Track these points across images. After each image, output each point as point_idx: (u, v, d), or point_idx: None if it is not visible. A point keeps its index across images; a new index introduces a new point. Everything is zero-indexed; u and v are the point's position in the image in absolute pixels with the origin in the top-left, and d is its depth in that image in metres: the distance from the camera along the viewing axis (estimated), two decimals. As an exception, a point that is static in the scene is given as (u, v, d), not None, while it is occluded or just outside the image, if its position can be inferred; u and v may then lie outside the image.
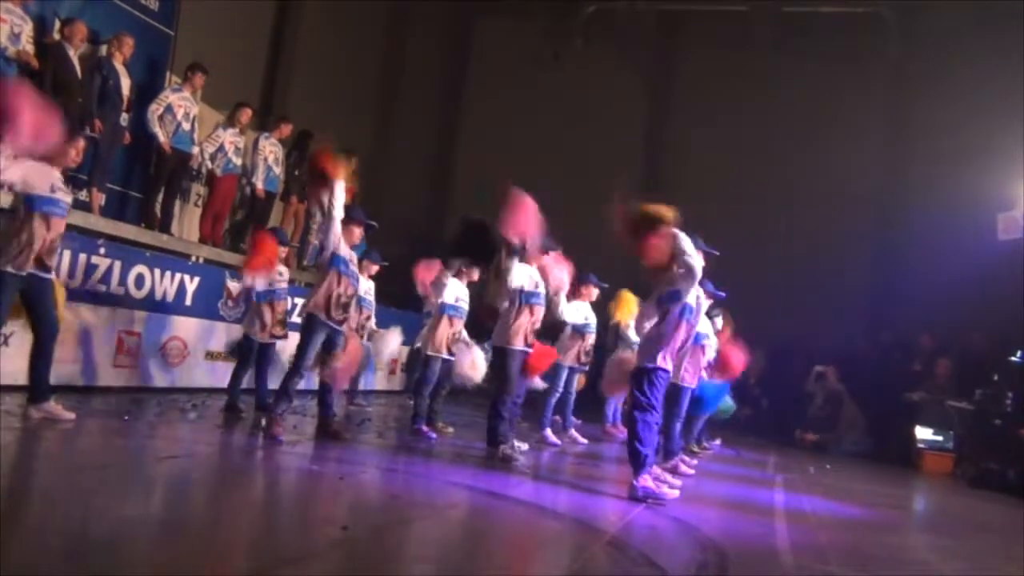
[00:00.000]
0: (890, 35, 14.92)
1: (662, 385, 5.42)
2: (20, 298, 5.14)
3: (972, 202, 11.71)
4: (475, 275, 7.49)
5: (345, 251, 6.09)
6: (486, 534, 4.37)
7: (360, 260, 7.35)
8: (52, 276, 5.33)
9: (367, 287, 7.69)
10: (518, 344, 6.49)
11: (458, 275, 7.42)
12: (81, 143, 5.45)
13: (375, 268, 7.78)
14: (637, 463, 5.35)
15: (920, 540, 6.29)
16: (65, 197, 5.29)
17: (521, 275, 6.48)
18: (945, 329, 12.26)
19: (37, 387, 5.28)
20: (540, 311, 6.65)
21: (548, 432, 8.24)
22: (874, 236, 14.80)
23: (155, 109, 8.43)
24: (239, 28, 11.88)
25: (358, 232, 6.34)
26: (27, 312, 5.23)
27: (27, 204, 5.07)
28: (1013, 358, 10.23)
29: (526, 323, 6.51)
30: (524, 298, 6.52)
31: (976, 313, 11.55)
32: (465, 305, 7.49)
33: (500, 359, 6.57)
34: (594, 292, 8.36)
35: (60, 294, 5.60)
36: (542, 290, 6.64)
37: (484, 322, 7.70)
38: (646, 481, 5.35)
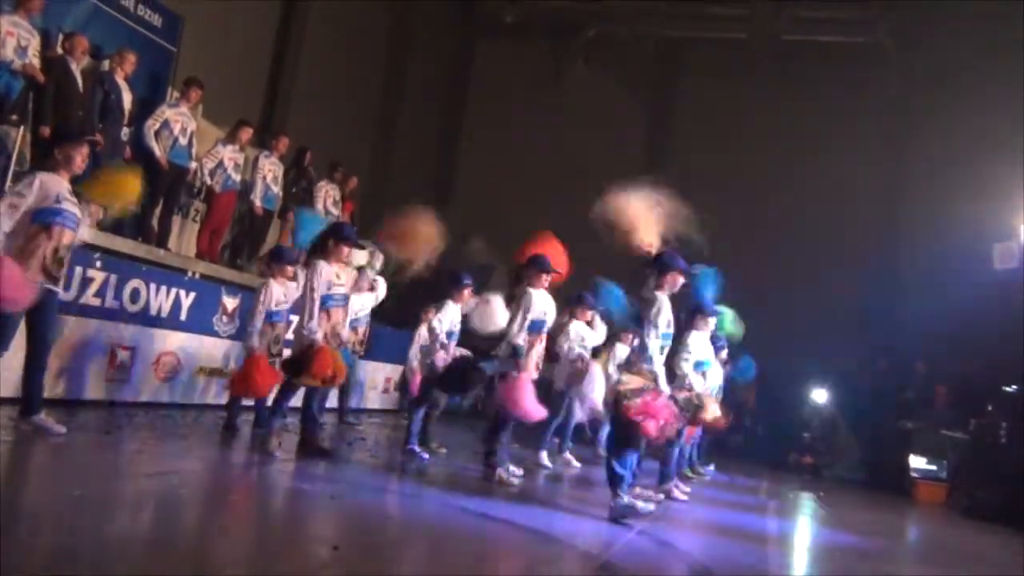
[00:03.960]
0: (889, 65, 15.08)
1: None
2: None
3: (969, 231, 11.76)
4: (470, 297, 7.44)
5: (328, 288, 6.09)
6: (478, 557, 4.33)
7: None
8: (58, 289, 5.30)
9: (361, 305, 7.62)
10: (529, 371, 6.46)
11: (455, 299, 7.38)
12: (86, 149, 5.40)
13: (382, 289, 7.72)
14: (614, 483, 5.36)
15: (913, 570, 6.26)
16: (72, 208, 5.24)
17: (541, 304, 6.44)
18: (941, 357, 12.27)
19: (29, 399, 5.24)
20: (543, 338, 6.63)
21: (543, 455, 8.21)
22: (871, 263, 14.84)
23: (151, 124, 8.44)
24: (241, 45, 11.96)
25: (347, 251, 6.25)
26: (25, 321, 5.16)
27: (34, 217, 5.05)
28: (1008, 388, 10.23)
29: (536, 352, 6.48)
30: (535, 326, 6.44)
31: (972, 342, 11.56)
32: (458, 329, 7.44)
33: (503, 384, 6.46)
34: (590, 314, 8.33)
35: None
36: (549, 318, 6.61)
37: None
38: (622, 498, 5.33)
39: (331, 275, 6.07)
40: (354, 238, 6.36)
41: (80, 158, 5.31)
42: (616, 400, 5.52)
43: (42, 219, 5.07)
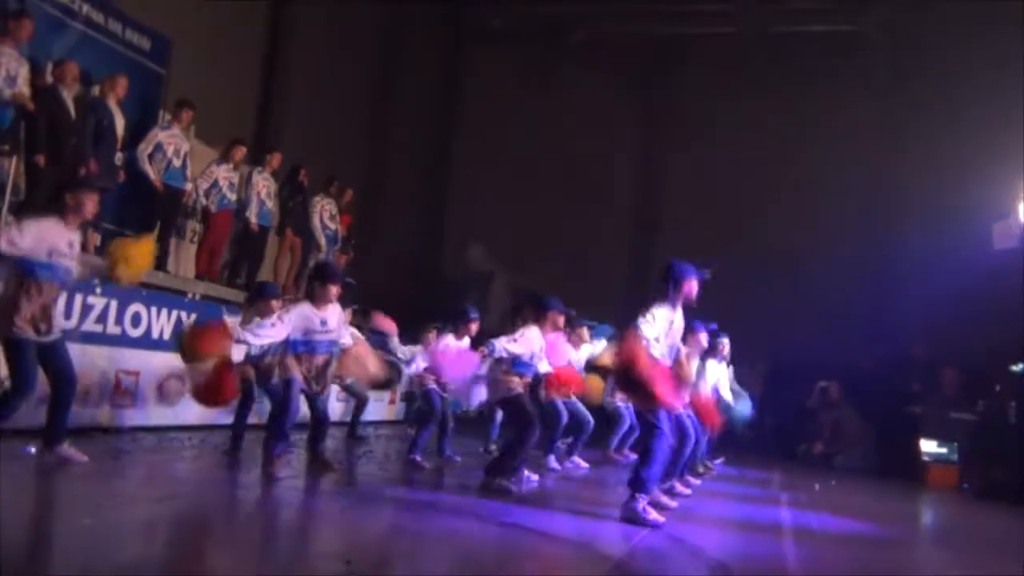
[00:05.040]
0: (878, 52, 15.09)
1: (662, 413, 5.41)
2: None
3: (968, 212, 11.75)
4: (474, 331, 7.38)
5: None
6: (492, 563, 4.32)
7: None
8: (55, 336, 5.21)
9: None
10: (519, 388, 6.45)
11: (459, 333, 7.27)
12: (97, 195, 5.35)
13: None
14: (637, 485, 5.33)
15: (929, 555, 6.24)
16: (66, 261, 5.12)
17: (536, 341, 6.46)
18: (945, 340, 12.25)
19: (53, 432, 5.23)
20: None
21: (552, 458, 8.20)
22: (872, 250, 14.83)
23: (144, 148, 8.43)
24: (231, 65, 11.97)
25: (335, 291, 6.07)
26: (42, 368, 5.14)
27: (17, 266, 4.95)
28: (1015, 367, 10.21)
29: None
30: (518, 366, 6.45)
31: (975, 323, 11.54)
32: None
33: (513, 407, 6.46)
34: (586, 334, 8.29)
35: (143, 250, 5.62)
36: (536, 360, 6.62)
37: None
38: (636, 503, 5.31)
39: (309, 320, 5.91)
40: (340, 278, 6.22)
41: (92, 205, 5.23)
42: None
43: (27, 271, 4.94)
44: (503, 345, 6.24)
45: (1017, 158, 10.97)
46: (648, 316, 5.35)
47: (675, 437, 5.61)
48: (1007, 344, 10.68)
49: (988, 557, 6.04)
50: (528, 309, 6.66)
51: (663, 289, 5.56)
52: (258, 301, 6.83)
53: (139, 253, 5.63)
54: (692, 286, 5.55)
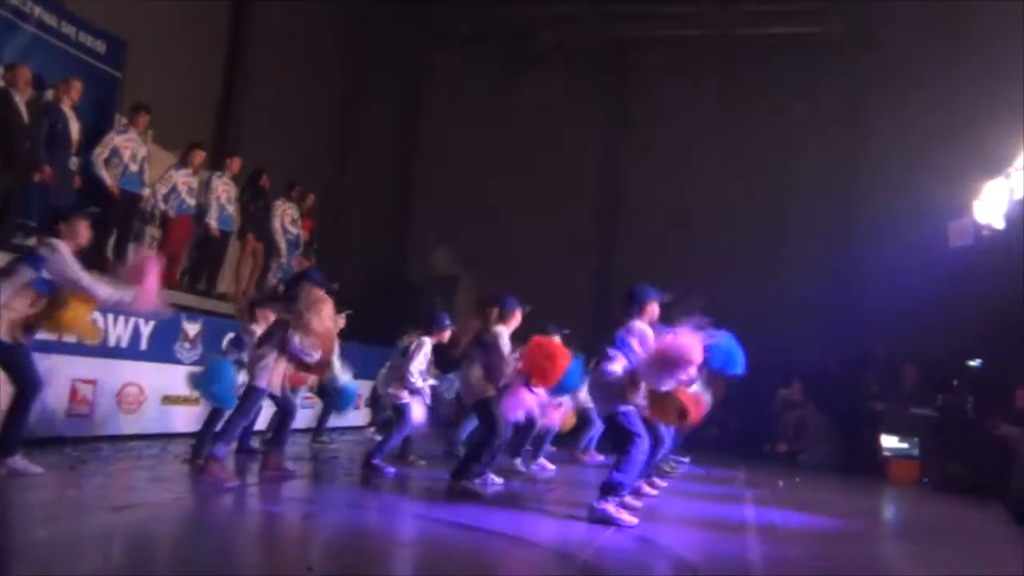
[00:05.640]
0: (842, 53, 15.31)
1: (637, 417, 5.53)
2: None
3: (924, 212, 11.95)
4: (447, 337, 7.42)
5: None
6: (457, 567, 4.29)
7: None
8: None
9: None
10: (492, 391, 6.44)
11: (431, 335, 7.31)
12: (88, 222, 5.53)
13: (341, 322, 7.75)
14: (610, 489, 5.37)
15: (891, 549, 6.32)
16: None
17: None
18: (905, 337, 12.43)
19: (5, 441, 5.14)
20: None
21: (518, 461, 8.19)
22: (833, 250, 15.00)
23: (100, 153, 8.29)
24: (189, 66, 11.77)
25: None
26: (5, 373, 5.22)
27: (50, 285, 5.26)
28: (972, 362, 10.40)
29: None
30: None
31: (934, 320, 11.73)
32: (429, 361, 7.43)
33: (484, 410, 6.46)
34: (556, 339, 8.26)
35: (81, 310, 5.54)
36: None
37: (448, 353, 7.66)
38: (607, 505, 5.35)
39: None
40: (322, 281, 6.20)
41: (85, 230, 5.45)
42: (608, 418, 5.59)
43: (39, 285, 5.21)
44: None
45: (972, 158, 11.19)
46: (636, 334, 5.57)
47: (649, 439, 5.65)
48: (965, 340, 10.88)
49: (945, 549, 6.13)
50: (494, 309, 6.63)
51: (629, 311, 5.78)
52: (257, 310, 6.87)
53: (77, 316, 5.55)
54: (654, 308, 5.84)
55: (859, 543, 6.06)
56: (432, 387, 7.54)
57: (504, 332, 6.47)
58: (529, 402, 6.41)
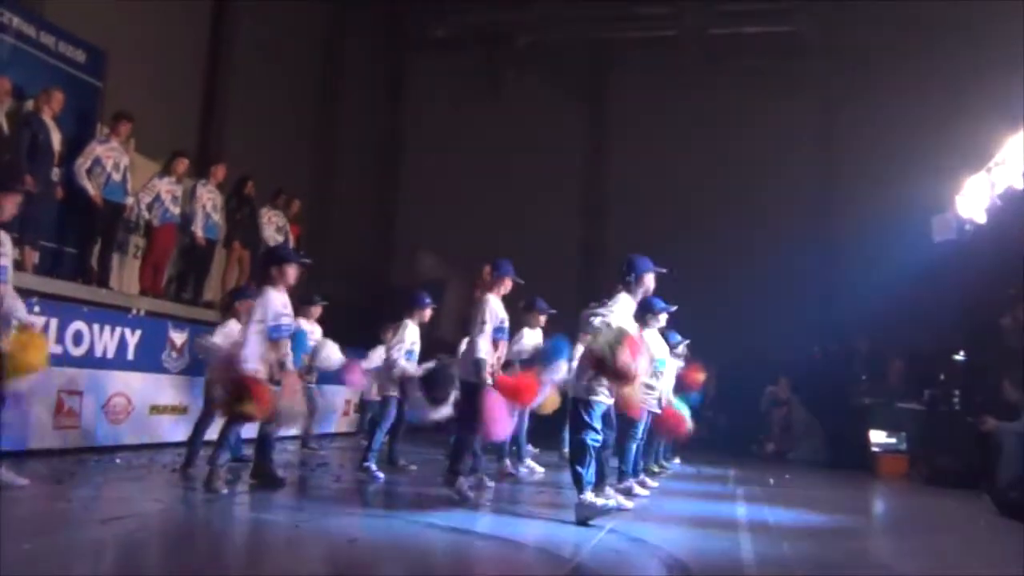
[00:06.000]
0: (815, 50, 15.41)
1: (598, 410, 5.54)
2: None
3: (906, 207, 12.01)
4: (427, 316, 7.40)
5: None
6: (449, 572, 4.29)
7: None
8: None
9: (311, 329, 7.60)
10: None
11: (412, 317, 7.30)
12: (18, 197, 5.22)
13: (318, 310, 7.72)
14: (577, 483, 5.41)
15: (882, 543, 6.35)
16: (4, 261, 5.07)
17: (501, 310, 6.41)
18: (891, 332, 12.51)
19: None
20: (504, 346, 6.58)
21: (507, 462, 8.15)
22: (815, 247, 15.10)
23: (82, 163, 8.24)
24: (171, 76, 11.73)
25: (293, 272, 6.01)
26: None
27: None
28: (957, 356, 10.46)
29: (497, 358, 6.40)
30: (497, 334, 6.36)
31: (919, 314, 11.81)
32: (418, 347, 7.36)
33: (469, 394, 6.32)
34: (542, 319, 8.26)
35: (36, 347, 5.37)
36: (506, 324, 6.56)
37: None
38: (588, 497, 5.35)
39: (279, 304, 5.85)
40: (295, 257, 6.18)
41: (11, 206, 5.12)
42: (574, 401, 5.59)
43: None
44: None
45: (954, 152, 11.26)
46: (613, 307, 5.54)
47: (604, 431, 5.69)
48: (950, 334, 10.95)
49: (935, 541, 6.17)
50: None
51: (625, 281, 5.73)
52: (237, 305, 6.88)
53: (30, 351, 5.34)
54: (650, 279, 5.83)
55: (851, 538, 6.08)
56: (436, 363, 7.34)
57: (491, 298, 6.38)
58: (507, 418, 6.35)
